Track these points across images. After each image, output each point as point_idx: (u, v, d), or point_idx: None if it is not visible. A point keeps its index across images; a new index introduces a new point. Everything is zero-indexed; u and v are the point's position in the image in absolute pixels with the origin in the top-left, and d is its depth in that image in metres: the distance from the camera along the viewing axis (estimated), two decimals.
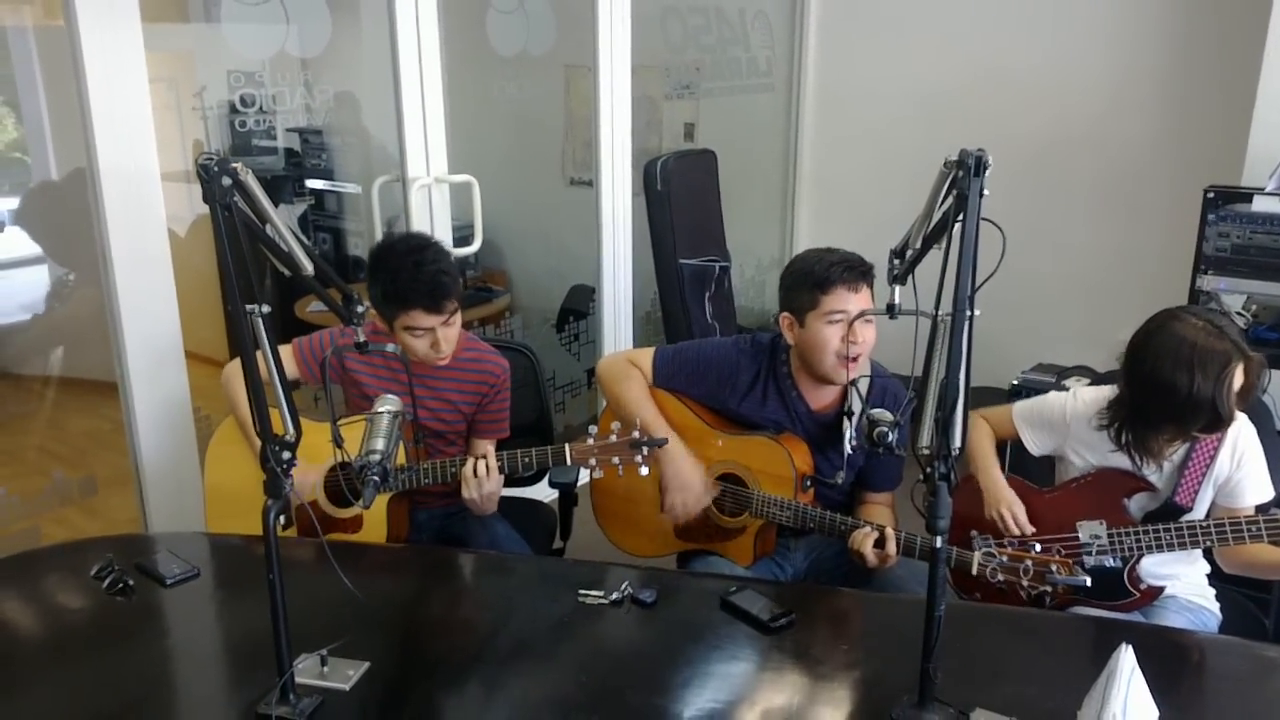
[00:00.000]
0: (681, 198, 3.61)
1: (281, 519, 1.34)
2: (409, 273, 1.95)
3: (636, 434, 1.80)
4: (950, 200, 1.18)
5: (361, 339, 1.54)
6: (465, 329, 2.13)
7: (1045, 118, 3.67)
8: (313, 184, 4.17)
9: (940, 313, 1.20)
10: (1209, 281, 2.75)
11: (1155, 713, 1.22)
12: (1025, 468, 2.02)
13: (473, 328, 4.26)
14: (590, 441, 1.83)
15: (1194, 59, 3.35)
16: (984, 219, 1.15)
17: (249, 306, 1.28)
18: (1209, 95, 3.33)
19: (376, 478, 1.51)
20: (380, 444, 1.55)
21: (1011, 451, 2.05)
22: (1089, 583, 1.53)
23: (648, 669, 1.48)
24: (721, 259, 3.76)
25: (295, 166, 4.17)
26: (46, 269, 3.05)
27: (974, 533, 1.93)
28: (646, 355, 2.10)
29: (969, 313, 1.17)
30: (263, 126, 4.27)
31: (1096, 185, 3.63)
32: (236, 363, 2.13)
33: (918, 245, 1.31)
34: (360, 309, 1.50)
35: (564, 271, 4.09)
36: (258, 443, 1.98)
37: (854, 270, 1.85)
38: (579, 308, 3.96)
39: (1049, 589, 1.55)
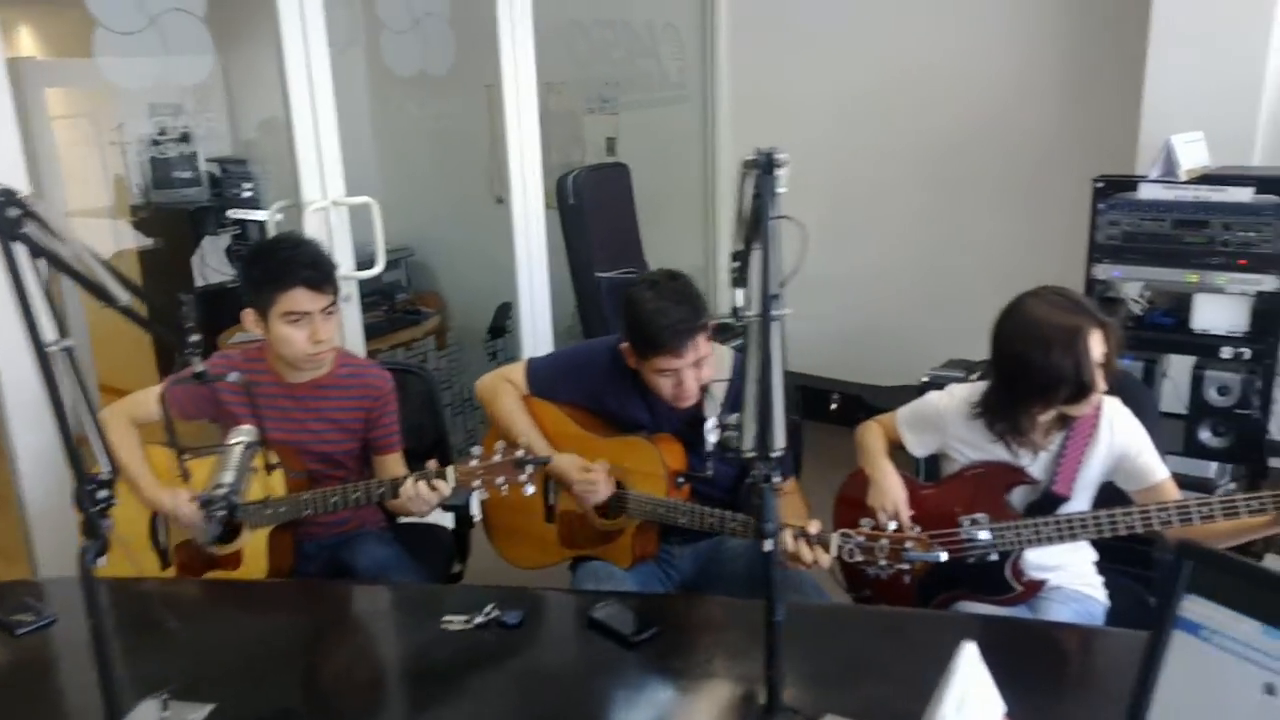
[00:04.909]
0: (596, 211, 3.60)
1: (102, 560, 1.30)
2: (289, 251, 1.97)
3: (520, 454, 1.77)
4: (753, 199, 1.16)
5: (200, 369, 1.49)
6: (401, 347, 2.09)
7: (954, 114, 3.70)
8: (233, 214, 4.12)
9: (751, 313, 1.18)
10: (1103, 270, 2.76)
11: (1001, 708, 1.20)
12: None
13: (406, 347, 4.22)
14: (474, 463, 1.80)
15: (1086, 51, 3.40)
16: (782, 216, 1.14)
17: (51, 341, 1.24)
18: (1102, 86, 3.37)
19: (222, 512, 1.47)
20: (229, 477, 1.51)
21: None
22: (944, 558, 1.51)
23: (505, 694, 1.44)
24: (639, 271, 3.76)
25: (218, 196, 4.12)
26: None
27: (863, 520, 1.90)
28: (520, 368, 2.12)
29: (775, 313, 1.15)
30: (182, 157, 4.20)
31: (1002, 179, 3.66)
32: (114, 406, 2.09)
33: (740, 247, 1.29)
34: (192, 339, 1.46)
35: (496, 290, 4.06)
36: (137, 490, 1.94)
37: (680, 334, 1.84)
38: (503, 325, 3.93)
39: (906, 566, 1.54)
